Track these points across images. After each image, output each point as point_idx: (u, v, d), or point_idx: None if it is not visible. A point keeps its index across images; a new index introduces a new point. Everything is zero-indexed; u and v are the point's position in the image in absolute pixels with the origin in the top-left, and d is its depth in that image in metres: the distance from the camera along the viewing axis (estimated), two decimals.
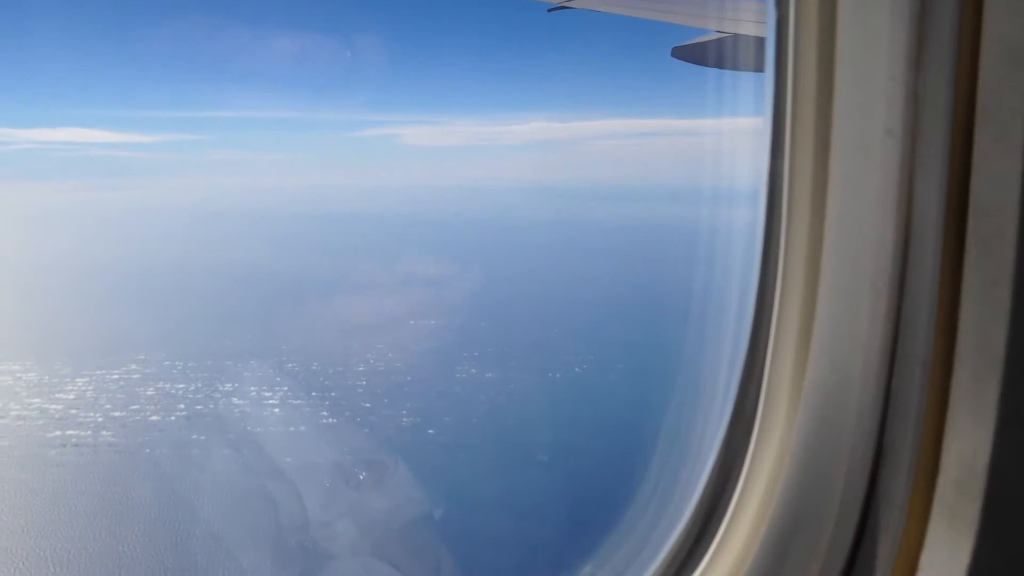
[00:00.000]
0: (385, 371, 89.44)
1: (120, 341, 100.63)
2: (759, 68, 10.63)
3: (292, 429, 73.49)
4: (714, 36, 10.45)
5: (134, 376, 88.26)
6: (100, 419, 77.04)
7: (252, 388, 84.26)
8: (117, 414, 78.01)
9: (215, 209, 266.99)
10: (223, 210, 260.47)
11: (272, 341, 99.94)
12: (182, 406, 79.48)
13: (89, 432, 74.09)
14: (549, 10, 12.85)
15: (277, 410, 78.50)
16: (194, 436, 71.75)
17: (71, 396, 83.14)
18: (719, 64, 10.24)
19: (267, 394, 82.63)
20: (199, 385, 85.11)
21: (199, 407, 79.20)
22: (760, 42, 10.39)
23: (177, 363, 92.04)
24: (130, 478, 64.46)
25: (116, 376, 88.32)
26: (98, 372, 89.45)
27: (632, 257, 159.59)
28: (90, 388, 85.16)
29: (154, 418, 76.78)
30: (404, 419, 75.69)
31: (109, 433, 73.81)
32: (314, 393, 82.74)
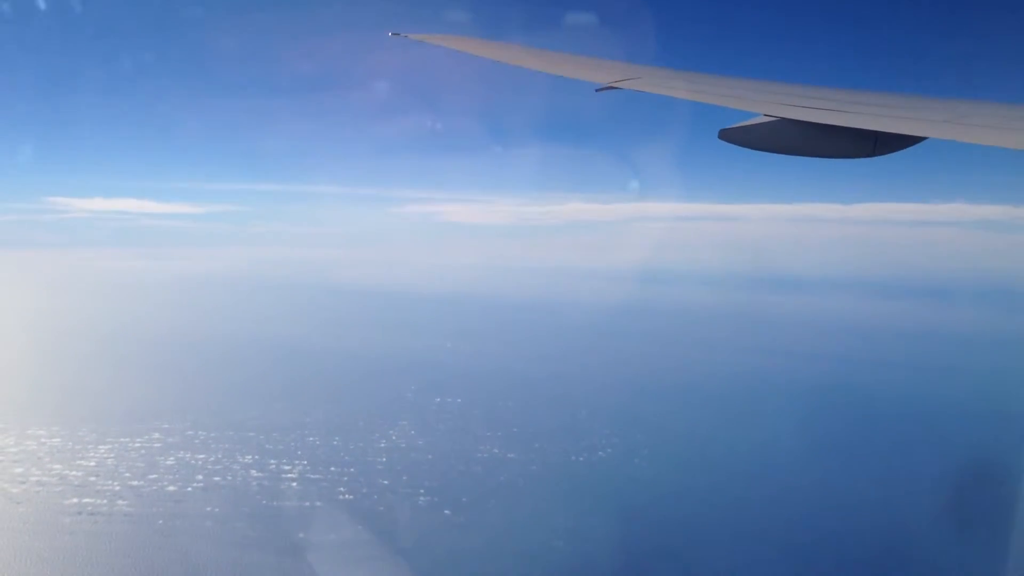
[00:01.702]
0: (406, 448, 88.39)
1: (146, 409, 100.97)
2: (805, 152, 10.14)
3: (307, 504, 72.46)
4: (761, 120, 10.66)
5: (156, 445, 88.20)
6: (118, 487, 76.65)
7: (272, 461, 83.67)
8: (135, 483, 77.60)
9: (256, 280, 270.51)
10: (263, 281, 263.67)
11: (297, 414, 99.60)
12: (200, 477, 78.89)
13: (105, 501, 73.64)
14: (597, 90, 12.87)
15: (295, 484, 77.59)
16: (208, 508, 70.91)
17: (92, 463, 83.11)
18: (765, 147, 10.55)
19: (286, 467, 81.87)
20: (219, 456, 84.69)
21: (216, 478, 78.53)
22: (807, 127, 10.03)
23: (200, 433, 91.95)
24: (141, 549, 63.62)
25: (138, 444, 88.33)
26: (121, 440, 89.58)
27: (665, 342, 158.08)
28: (111, 456, 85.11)
29: (171, 488, 76.22)
30: (421, 498, 74.33)
31: (125, 502, 73.27)
32: (333, 468, 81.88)
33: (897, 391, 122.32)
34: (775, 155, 10.67)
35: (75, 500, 73.37)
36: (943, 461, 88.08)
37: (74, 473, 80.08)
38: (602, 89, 12.88)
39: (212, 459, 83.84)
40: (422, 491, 75.69)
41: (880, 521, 71.15)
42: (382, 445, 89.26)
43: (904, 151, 10.41)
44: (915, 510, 73.86)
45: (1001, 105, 10.81)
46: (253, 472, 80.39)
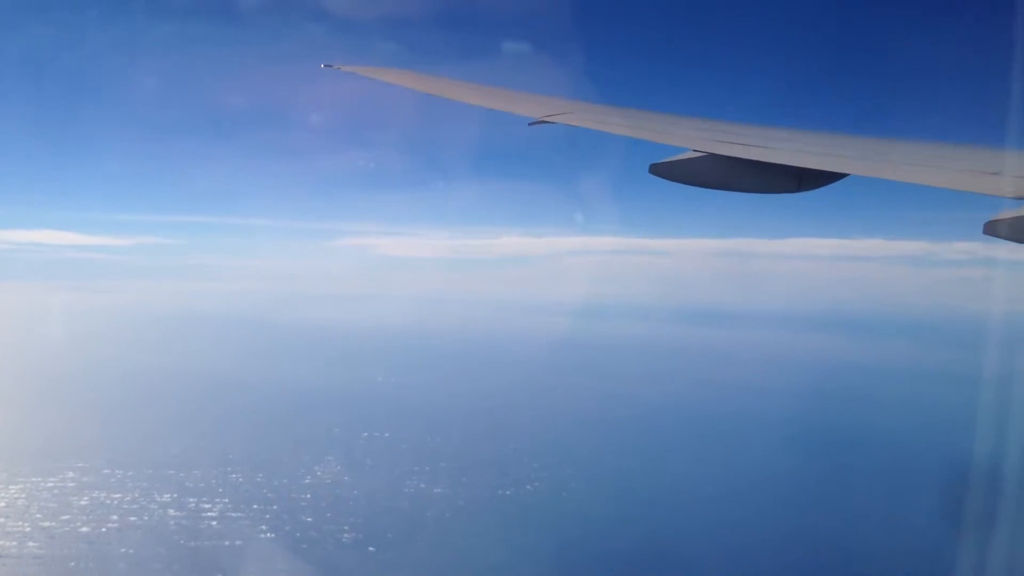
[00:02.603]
0: (332, 484, 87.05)
1: (61, 446, 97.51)
2: (732, 187, 10.44)
3: (227, 544, 70.74)
4: (690, 155, 10.86)
5: (69, 484, 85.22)
6: (28, 529, 73.85)
7: (192, 499, 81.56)
8: (46, 524, 74.83)
9: (182, 314, 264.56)
10: (190, 315, 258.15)
11: (220, 450, 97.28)
12: (115, 517, 76.44)
13: (15, 543, 70.86)
14: (530, 124, 12.89)
15: (215, 523, 75.72)
16: (123, 550, 68.71)
17: (2, 504, 79.94)
18: (694, 182, 10.76)
19: (206, 505, 79.88)
20: (136, 495, 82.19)
21: (132, 518, 76.21)
22: (734, 162, 10.34)
23: (117, 471, 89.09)
24: None
25: (51, 484, 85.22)
26: (33, 479, 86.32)
27: (596, 375, 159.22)
28: (22, 496, 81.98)
29: (84, 529, 73.70)
30: (345, 535, 73.25)
31: (35, 544, 70.59)
32: (255, 506, 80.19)
33: (822, 421, 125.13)
34: (704, 191, 10.98)
35: None
36: (870, 489, 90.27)
37: None
38: (535, 123, 12.99)
39: (128, 498, 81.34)
40: (346, 528, 74.62)
41: (811, 550, 72.56)
42: (307, 481, 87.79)
43: (827, 187, 10.63)
44: (844, 539, 75.32)
45: (921, 144, 11.18)
46: (171, 511, 78.23)
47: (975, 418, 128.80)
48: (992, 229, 8.11)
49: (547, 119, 12.94)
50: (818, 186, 10.59)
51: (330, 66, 17.63)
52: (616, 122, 13.28)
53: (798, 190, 10.58)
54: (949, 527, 74.92)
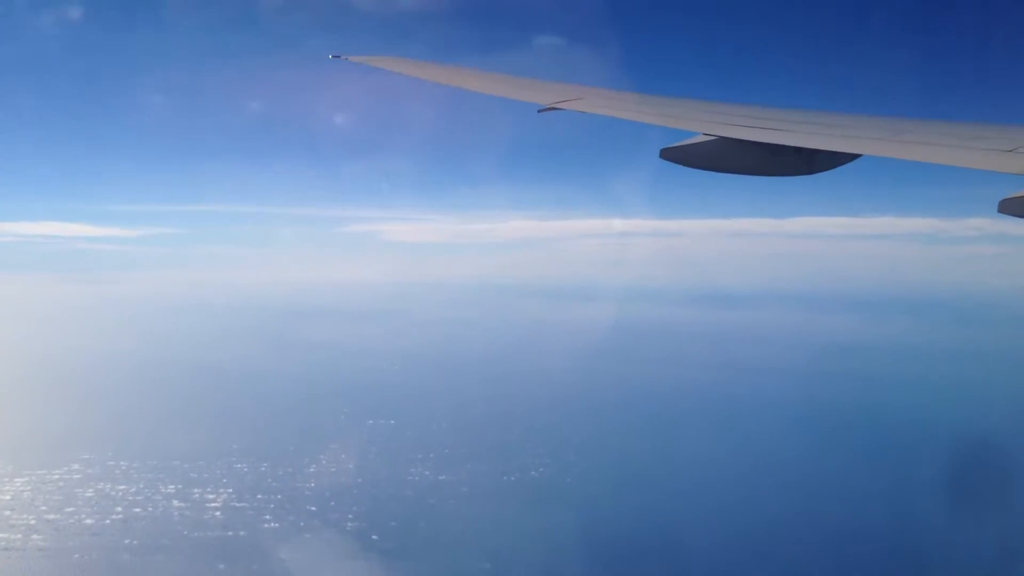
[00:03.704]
0: (336, 472, 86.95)
1: (68, 438, 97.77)
2: (745, 171, 10.14)
3: (230, 534, 70.77)
4: (701, 139, 10.74)
5: (75, 476, 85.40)
6: (33, 521, 74.04)
7: (196, 490, 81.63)
8: (51, 516, 75.04)
9: (190, 304, 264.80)
10: (197, 305, 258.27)
11: (225, 440, 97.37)
12: (119, 509, 76.56)
13: (20, 535, 71.09)
14: (539, 111, 12.95)
15: (218, 513, 75.75)
16: (127, 541, 68.81)
17: (7, 497, 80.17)
18: (706, 166, 10.65)
19: (211, 496, 79.93)
20: (141, 486, 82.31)
21: (137, 509, 76.31)
22: (746, 145, 9.99)
23: (122, 463, 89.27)
24: None
25: (56, 476, 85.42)
26: (39, 472, 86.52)
27: (603, 358, 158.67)
28: (28, 488, 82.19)
29: (88, 521, 73.84)
30: (349, 523, 73.17)
31: (40, 537, 70.78)
32: (259, 496, 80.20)
33: (835, 402, 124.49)
34: (712, 173, 10.85)
35: None
36: (887, 471, 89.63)
37: None
38: (544, 110, 12.97)
39: (133, 490, 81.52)
40: (350, 516, 74.58)
41: (826, 536, 72.08)
42: (311, 470, 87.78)
43: (840, 168, 10.68)
44: (863, 523, 74.70)
45: (933, 122, 11.08)
46: (175, 502, 78.34)
47: (987, 396, 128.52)
48: (1009, 207, 8.13)
49: (556, 106, 12.97)
50: (831, 167, 10.65)
51: (338, 56, 17.82)
52: (625, 108, 13.19)
53: (811, 172, 10.63)
54: (958, 505, 74.45)
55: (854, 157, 10.24)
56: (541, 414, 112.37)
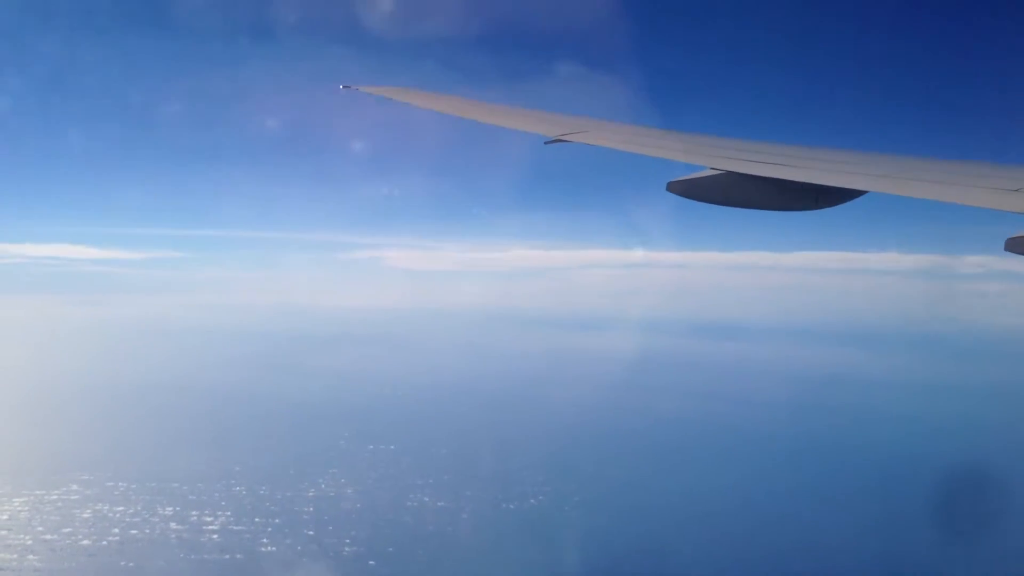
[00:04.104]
0: (335, 497, 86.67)
1: (68, 459, 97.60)
2: (750, 205, 10.30)
3: (227, 557, 70.43)
4: (708, 173, 10.82)
5: (73, 497, 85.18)
6: (29, 542, 73.81)
7: (194, 512, 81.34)
8: (48, 537, 74.79)
9: (193, 327, 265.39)
10: (201, 328, 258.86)
11: (225, 463, 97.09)
12: (117, 530, 76.30)
13: (15, 556, 70.82)
14: (545, 143, 13.00)
15: (216, 536, 75.45)
16: (123, 563, 68.51)
17: (4, 517, 79.94)
18: (712, 200, 10.76)
19: (208, 519, 79.64)
20: (139, 508, 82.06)
21: (134, 531, 76.04)
22: (752, 180, 10.24)
23: (120, 484, 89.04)
24: None
25: (55, 497, 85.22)
26: (37, 492, 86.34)
27: (604, 387, 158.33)
28: (25, 509, 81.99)
29: (85, 542, 73.56)
30: (347, 548, 72.80)
31: (36, 557, 70.52)
32: (257, 519, 79.86)
33: (834, 436, 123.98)
34: (717, 206, 10.95)
35: None
36: (885, 506, 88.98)
37: None
38: (551, 142, 13.02)
39: (131, 511, 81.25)
40: (348, 541, 74.20)
41: (823, 570, 71.63)
42: (311, 494, 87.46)
43: (845, 204, 10.75)
44: (860, 558, 74.25)
45: (938, 161, 11.24)
46: (173, 524, 78.05)
47: (989, 433, 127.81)
48: (1016, 246, 8.18)
49: (562, 138, 13.06)
50: (837, 203, 10.69)
51: (348, 87, 17.92)
52: (631, 141, 13.29)
53: (817, 207, 10.68)
54: (954, 541, 74.01)
55: (860, 193, 10.32)
56: (542, 442, 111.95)
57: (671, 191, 10.83)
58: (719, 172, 10.74)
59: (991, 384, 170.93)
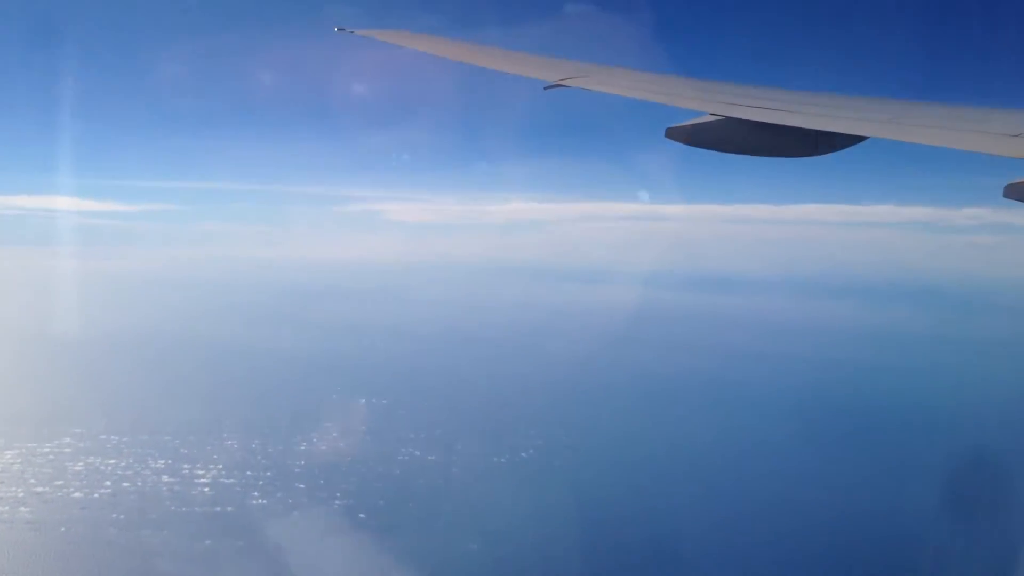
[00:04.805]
0: (327, 451, 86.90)
1: (61, 412, 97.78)
2: (750, 151, 10.03)
3: (218, 510, 70.80)
4: (707, 119, 10.79)
5: (66, 450, 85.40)
6: (21, 494, 74.10)
7: (186, 465, 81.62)
8: (40, 489, 75.06)
9: (188, 281, 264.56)
10: (196, 281, 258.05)
11: (217, 417, 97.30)
12: (108, 483, 76.58)
13: (7, 508, 71.11)
14: (545, 88, 13.00)
15: (207, 489, 75.77)
16: (114, 515, 68.80)
17: None
18: (711, 146, 10.67)
19: (200, 472, 79.92)
20: (131, 461, 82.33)
21: (126, 484, 76.32)
22: (752, 126, 9.85)
23: (113, 437, 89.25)
24: (40, 557, 61.53)
25: (47, 449, 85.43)
26: (29, 445, 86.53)
27: (598, 341, 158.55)
28: (17, 461, 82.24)
29: (77, 495, 73.85)
30: (337, 501, 73.17)
31: (27, 509, 70.80)
32: (249, 472, 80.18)
33: (830, 388, 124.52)
34: (716, 156, 11.00)
35: None
36: (882, 458, 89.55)
37: None
38: (550, 87, 12.93)
39: (123, 464, 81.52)
40: (338, 495, 74.53)
41: (817, 522, 72.01)
42: (302, 448, 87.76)
43: (845, 150, 10.74)
44: (855, 511, 74.60)
45: (937, 106, 11.10)
46: (164, 477, 78.34)
47: (985, 385, 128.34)
48: (1015, 192, 8.14)
49: (562, 83, 12.97)
50: (835, 149, 10.70)
51: (343, 30, 17.43)
52: (630, 86, 13.13)
53: (815, 153, 10.69)
54: (952, 495, 74.37)
55: (858, 139, 10.26)
56: (535, 396, 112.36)
57: (670, 137, 10.80)
58: (719, 118, 10.72)
59: (987, 337, 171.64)
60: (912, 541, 68.07)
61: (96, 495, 73.83)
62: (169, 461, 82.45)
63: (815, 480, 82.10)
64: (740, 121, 10.62)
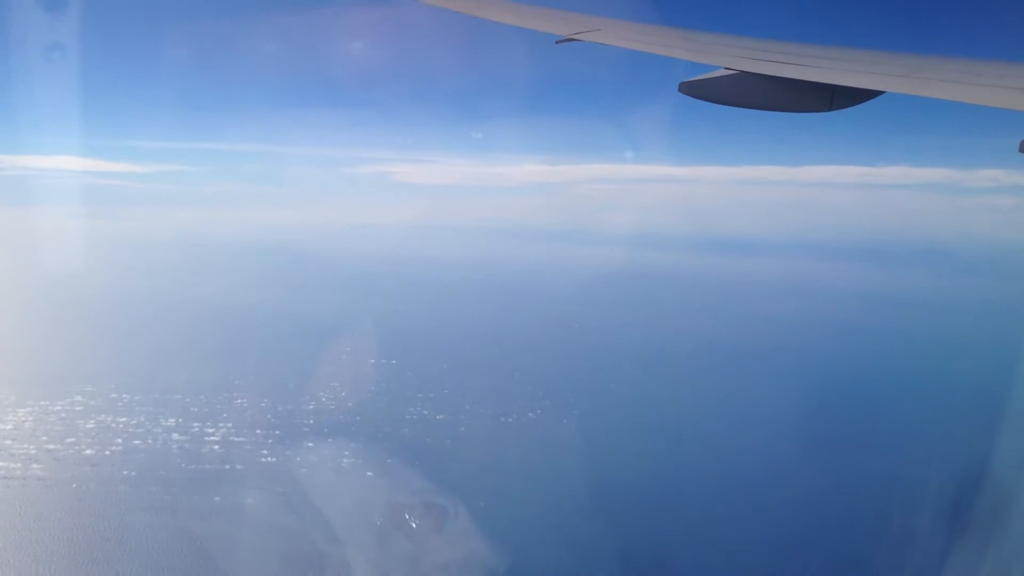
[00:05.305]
0: (335, 410, 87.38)
1: (72, 370, 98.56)
2: (764, 106, 9.83)
3: (227, 467, 71.44)
4: (722, 73, 10.67)
5: (77, 408, 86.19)
6: (34, 451, 74.94)
7: (196, 424, 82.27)
8: (52, 447, 75.89)
9: (198, 240, 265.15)
10: (206, 242, 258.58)
11: (227, 376, 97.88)
12: (119, 440, 77.34)
13: (19, 465, 71.96)
14: (557, 42, 12.89)
15: (216, 447, 76.41)
16: (124, 472, 69.57)
17: (9, 426, 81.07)
18: (725, 100, 10.46)
19: (210, 430, 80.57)
20: (141, 419, 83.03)
21: (136, 442, 77.05)
22: (767, 80, 9.61)
23: (124, 396, 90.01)
24: (52, 513, 62.33)
25: (59, 407, 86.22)
26: (42, 403, 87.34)
27: (607, 304, 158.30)
28: (30, 419, 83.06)
29: (88, 452, 74.65)
30: (345, 460, 73.68)
31: (40, 466, 71.65)
32: (258, 431, 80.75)
33: (844, 351, 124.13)
34: (727, 117, 10.72)
35: None
36: (896, 421, 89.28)
37: None
38: (562, 41, 12.76)
39: (134, 422, 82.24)
40: (346, 453, 75.00)
41: (825, 486, 72.06)
42: (311, 407, 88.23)
43: (855, 110, 10.68)
44: (864, 475, 74.57)
45: (955, 59, 10.91)
46: (175, 435, 79.03)
47: (999, 348, 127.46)
48: None
49: (574, 37, 12.79)
50: (851, 104, 10.57)
51: None
52: (644, 39, 12.94)
53: (831, 108, 10.57)
54: (963, 457, 74.13)
55: (874, 95, 10.09)
56: (543, 357, 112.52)
57: (683, 92, 10.70)
58: (733, 72, 10.59)
59: (1000, 299, 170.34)
60: (917, 505, 68.03)
61: (107, 452, 74.60)
62: (179, 419, 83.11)
63: (825, 440, 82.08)
64: (755, 75, 10.51)
